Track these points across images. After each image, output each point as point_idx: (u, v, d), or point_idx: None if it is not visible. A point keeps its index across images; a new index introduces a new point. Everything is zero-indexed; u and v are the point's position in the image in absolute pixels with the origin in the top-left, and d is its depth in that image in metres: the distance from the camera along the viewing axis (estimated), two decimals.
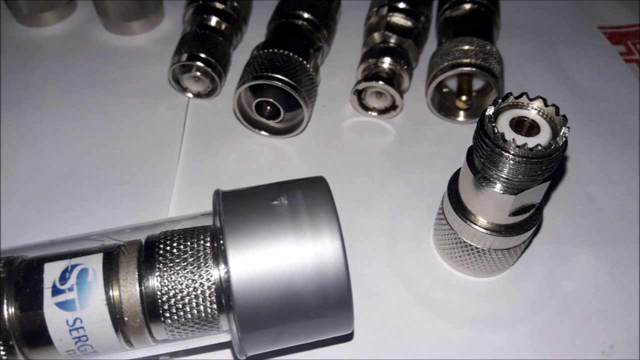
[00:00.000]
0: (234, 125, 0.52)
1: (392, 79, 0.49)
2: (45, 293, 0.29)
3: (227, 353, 0.38)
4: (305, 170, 0.48)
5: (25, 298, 0.29)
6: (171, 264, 0.30)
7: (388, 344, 0.38)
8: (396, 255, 0.43)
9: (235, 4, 0.55)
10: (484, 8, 0.54)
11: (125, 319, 0.29)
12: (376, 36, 0.53)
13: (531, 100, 0.33)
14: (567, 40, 0.62)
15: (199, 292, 0.29)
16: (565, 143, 0.31)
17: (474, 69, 0.47)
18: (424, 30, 0.55)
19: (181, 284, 0.29)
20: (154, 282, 0.29)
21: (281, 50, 0.48)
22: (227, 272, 0.29)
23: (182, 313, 0.29)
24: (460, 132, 0.52)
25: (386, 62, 0.50)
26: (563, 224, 0.45)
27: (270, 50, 0.48)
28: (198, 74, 0.52)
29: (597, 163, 0.50)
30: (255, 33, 0.58)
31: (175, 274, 0.29)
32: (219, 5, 0.54)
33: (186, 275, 0.29)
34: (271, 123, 0.50)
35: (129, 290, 0.29)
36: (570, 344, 0.38)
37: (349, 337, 0.38)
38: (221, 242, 0.29)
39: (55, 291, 0.29)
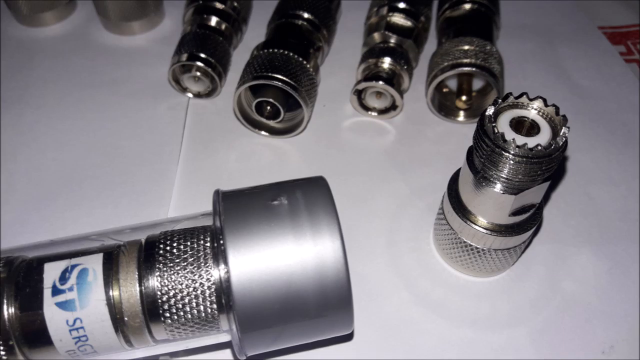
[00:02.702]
0: (234, 125, 0.52)
1: (392, 79, 0.49)
2: (45, 293, 0.29)
3: (227, 353, 0.38)
4: (305, 170, 0.48)
5: (25, 298, 0.29)
6: (171, 264, 0.30)
7: (388, 344, 0.38)
8: (396, 255, 0.43)
9: (235, 4, 0.55)
10: (484, 8, 0.54)
11: (125, 319, 0.29)
12: (376, 36, 0.53)
13: (531, 100, 0.33)
14: (567, 40, 0.62)
15: (199, 292, 0.29)
16: (565, 143, 0.31)
17: (474, 69, 0.47)
18: (424, 30, 0.55)
19: (181, 284, 0.29)
20: (154, 282, 0.29)
21: (281, 50, 0.48)
22: (227, 272, 0.29)
23: (182, 313, 0.29)
24: (460, 132, 0.52)
25: (386, 62, 0.50)
26: (563, 224, 0.45)
27: (270, 50, 0.48)
28: (198, 74, 0.52)
29: (597, 163, 0.50)
30: (255, 33, 0.58)
31: (175, 274, 0.29)
32: (219, 5, 0.54)
33: (186, 275, 0.29)
34: (271, 123, 0.50)
35: (129, 290, 0.29)
36: (570, 344, 0.38)
37: (349, 337, 0.38)
38: (221, 242, 0.29)
39: (55, 291, 0.29)
